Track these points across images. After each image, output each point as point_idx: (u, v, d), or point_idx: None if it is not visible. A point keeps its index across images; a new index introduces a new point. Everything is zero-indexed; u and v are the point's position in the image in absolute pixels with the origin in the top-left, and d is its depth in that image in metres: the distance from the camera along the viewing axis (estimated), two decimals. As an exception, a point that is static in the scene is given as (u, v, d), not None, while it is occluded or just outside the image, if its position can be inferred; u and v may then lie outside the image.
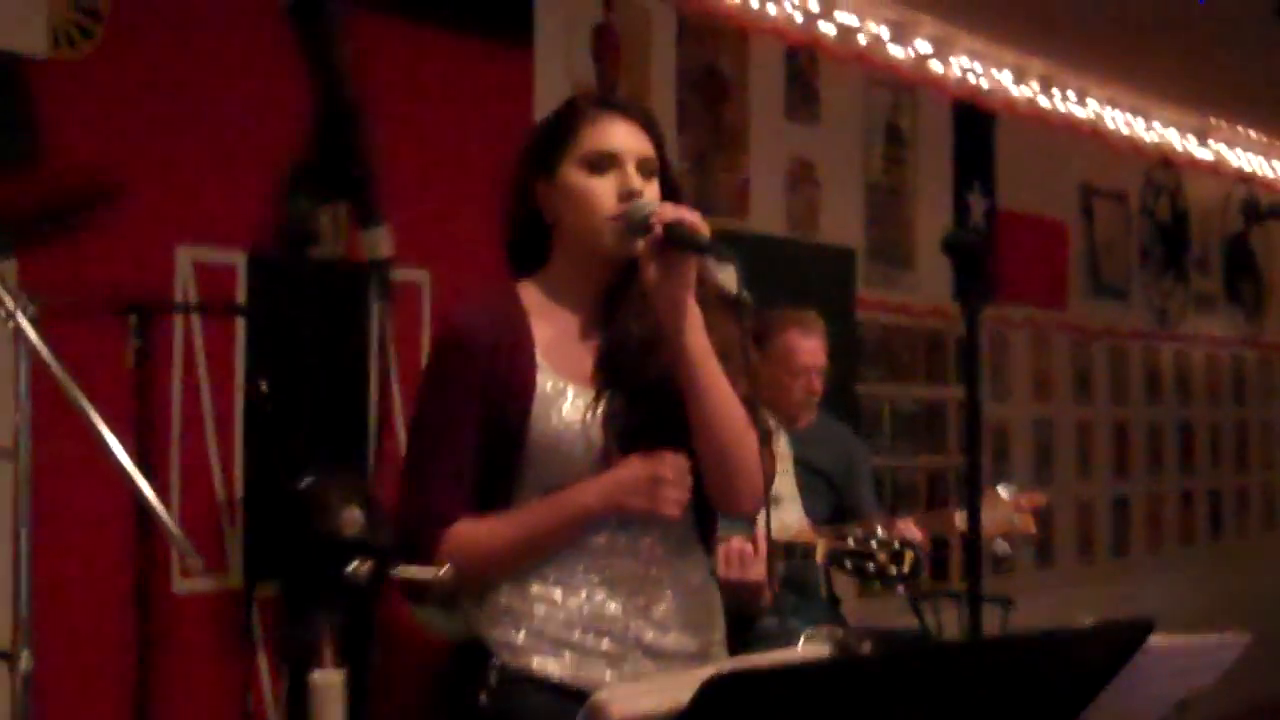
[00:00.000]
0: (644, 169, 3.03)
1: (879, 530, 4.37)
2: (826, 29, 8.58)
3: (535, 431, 2.96)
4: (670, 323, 2.91)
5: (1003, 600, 8.39)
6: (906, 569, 4.28)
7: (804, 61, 8.58)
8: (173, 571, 5.24)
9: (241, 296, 5.54)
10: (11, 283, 3.13)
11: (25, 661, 3.16)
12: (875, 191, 9.10)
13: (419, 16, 6.32)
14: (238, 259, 5.54)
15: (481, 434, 2.98)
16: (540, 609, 2.97)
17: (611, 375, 3.00)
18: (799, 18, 8.39)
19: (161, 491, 5.23)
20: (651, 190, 3.02)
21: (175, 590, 5.21)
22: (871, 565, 4.31)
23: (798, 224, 8.45)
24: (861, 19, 8.80)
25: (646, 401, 2.99)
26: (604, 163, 3.01)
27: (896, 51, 9.11)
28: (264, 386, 5.43)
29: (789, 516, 4.54)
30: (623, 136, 3.04)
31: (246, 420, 5.49)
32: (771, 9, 8.22)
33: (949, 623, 8.39)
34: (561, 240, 3.08)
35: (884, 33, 8.97)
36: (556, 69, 6.95)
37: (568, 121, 3.08)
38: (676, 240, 2.87)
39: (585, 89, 7.16)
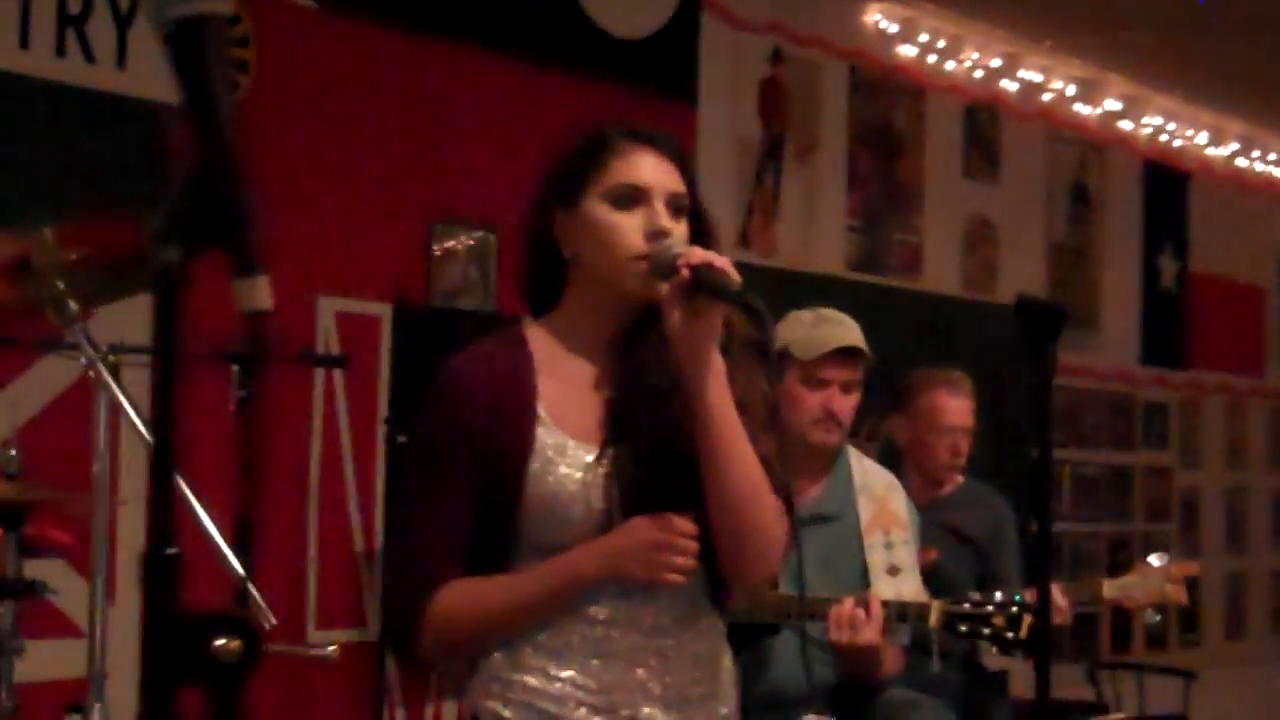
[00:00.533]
0: (674, 206, 2.79)
1: (997, 593, 4.20)
2: (1009, 86, 8.44)
3: (532, 491, 2.75)
4: (691, 374, 2.70)
5: (1186, 674, 8.15)
6: (1024, 634, 4.11)
7: (984, 119, 8.45)
8: (307, 623, 5.25)
9: (386, 347, 5.55)
10: (92, 332, 3.12)
11: (97, 716, 3.15)
12: (1059, 252, 8.93)
13: (581, 69, 6.32)
14: (383, 310, 5.55)
15: (476, 493, 2.77)
16: (531, 681, 2.77)
17: (619, 429, 2.78)
18: (979, 74, 8.27)
19: (298, 543, 5.26)
20: (680, 230, 2.77)
21: (309, 641, 5.20)
22: (987, 629, 4.14)
23: (974, 284, 8.31)
24: (1046, 76, 8.64)
25: (654, 458, 2.77)
26: (631, 198, 2.77)
27: (1083, 109, 8.94)
28: (404, 438, 5.43)
29: (906, 589, 4.34)
30: (652, 171, 2.79)
31: (387, 472, 5.48)
32: (950, 65, 8.10)
33: (1127, 695, 8.16)
34: (579, 277, 2.84)
35: (1070, 90, 8.80)
36: (721, 123, 6.89)
37: (594, 151, 2.82)
38: (705, 286, 2.64)
39: (749, 140, 7.11)
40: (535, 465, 2.75)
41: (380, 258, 5.54)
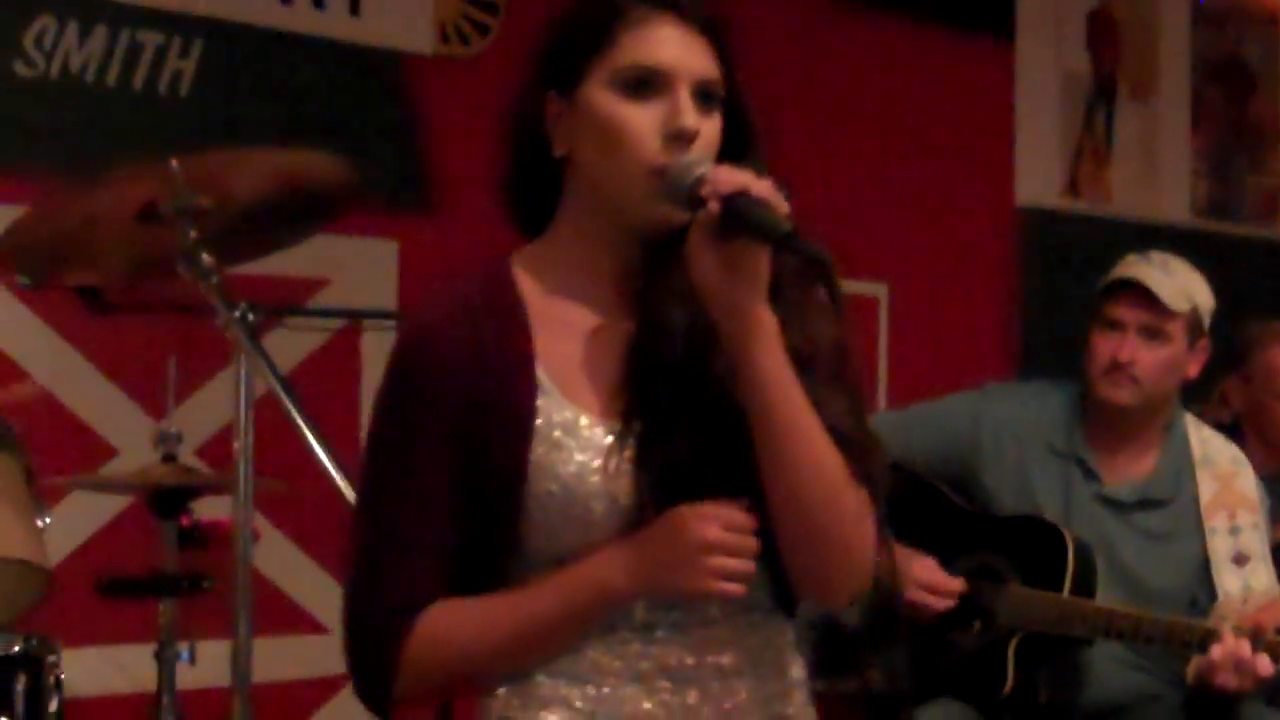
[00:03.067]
0: (702, 96, 2.13)
1: None
2: (1379, 9, 7.66)
3: (538, 483, 2.11)
4: (733, 340, 2.07)
5: None
6: None
7: (1348, 47, 7.71)
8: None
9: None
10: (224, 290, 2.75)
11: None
12: None
13: (882, 6, 5.91)
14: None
15: (462, 491, 2.15)
16: (552, 719, 2.16)
17: (645, 396, 2.14)
18: (1343, -4, 7.52)
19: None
20: (711, 128, 2.13)
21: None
22: None
23: (1343, 231, 7.57)
24: None
25: (696, 432, 2.13)
26: (648, 84, 2.12)
27: None
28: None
29: (1258, 580, 3.80)
30: (676, 48, 2.13)
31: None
32: (1310, -12, 7.39)
33: None
34: (575, 188, 2.19)
35: None
36: (1043, 61, 6.41)
37: (600, 20, 2.16)
38: (741, 225, 2.00)
39: (1076, 76, 6.60)
40: (540, 450, 2.12)
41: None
